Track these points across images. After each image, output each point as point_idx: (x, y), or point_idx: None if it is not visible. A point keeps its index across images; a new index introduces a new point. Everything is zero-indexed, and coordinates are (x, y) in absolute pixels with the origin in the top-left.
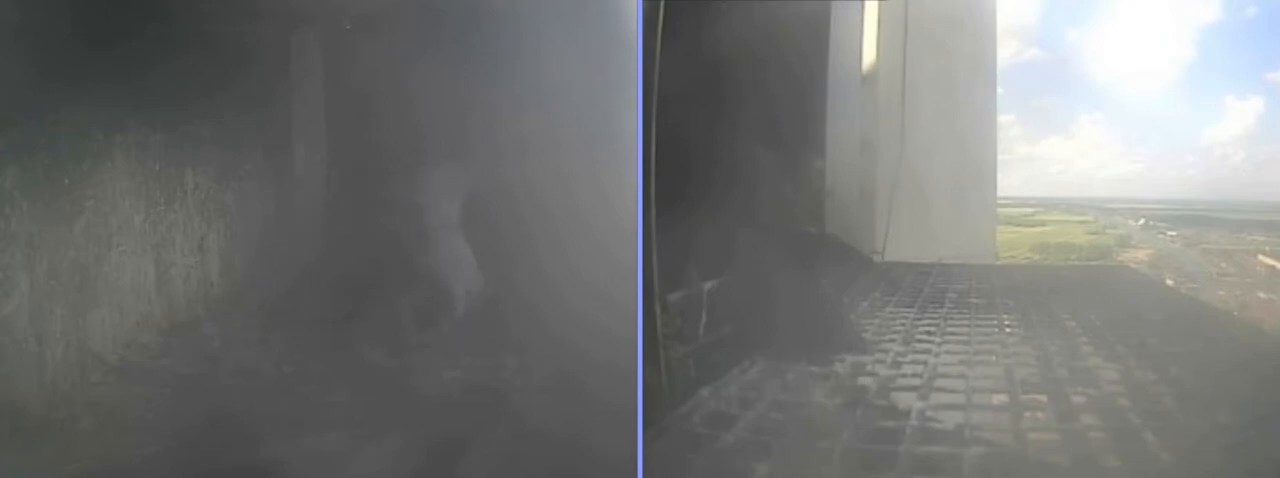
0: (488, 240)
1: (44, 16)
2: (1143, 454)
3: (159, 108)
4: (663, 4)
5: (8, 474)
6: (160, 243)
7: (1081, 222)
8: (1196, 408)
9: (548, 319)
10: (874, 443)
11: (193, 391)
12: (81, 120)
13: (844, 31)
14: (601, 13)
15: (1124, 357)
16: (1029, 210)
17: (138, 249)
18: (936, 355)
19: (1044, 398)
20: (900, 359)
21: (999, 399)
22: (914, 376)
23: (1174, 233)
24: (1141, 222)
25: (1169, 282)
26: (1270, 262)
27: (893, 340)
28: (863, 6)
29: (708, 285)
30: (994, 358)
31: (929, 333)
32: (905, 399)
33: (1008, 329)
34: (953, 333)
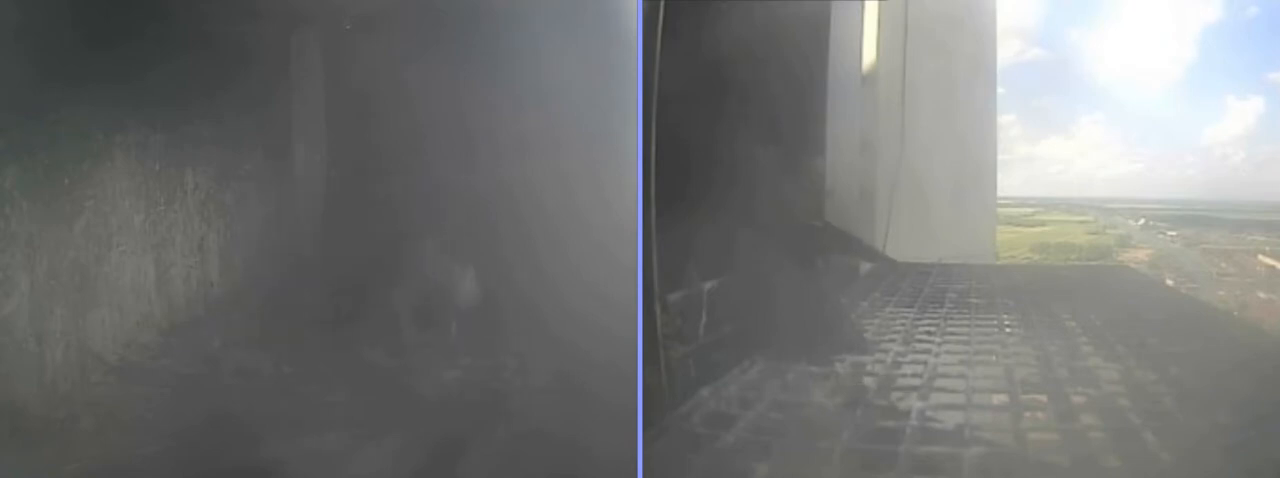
0: (488, 240)
1: (44, 16)
2: (1143, 454)
3: (159, 108)
4: (663, 4)
5: (8, 474)
6: (160, 243)
7: (1081, 222)
8: (1196, 408)
9: (548, 319)
10: (874, 443)
11: (193, 391)
12: (81, 120)
13: (844, 31)
14: (601, 13)
15: (1124, 357)
16: (1029, 210)
17: (138, 249)
18: (936, 355)
19: (1044, 398)
20: (900, 359)
21: (999, 399)
22: (914, 376)
23: (1174, 233)
24: (1141, 222)
25: (1169, 282)
26: (1270, 262)
27: (893, 340)
28: (863, 6)
29: (708, 285)
30: (994, 358)
31: (929, 333)
32: (905, 399)
33: (1008, 329)
34: (953, 333)
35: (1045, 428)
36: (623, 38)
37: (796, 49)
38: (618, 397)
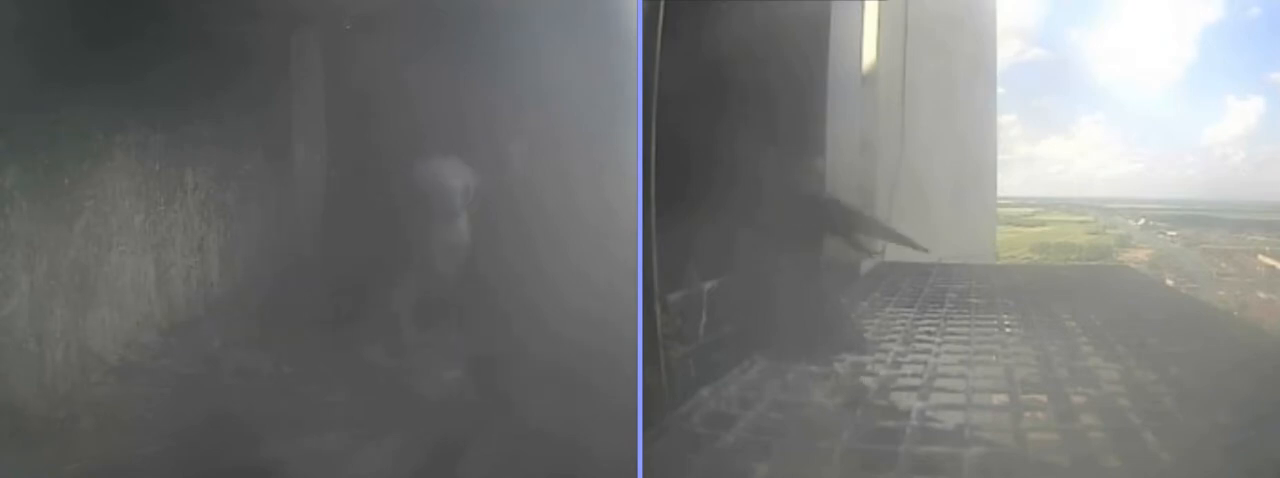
0: (488, 240)
1: (44, 16)
2: (1143, 454)
3: (159, 108)
4: (663, 4)
5: (8, 474)
6: (160, 243)
7: (1081, 222)
8: (1196, 408)
9: (548, 319)
10: (874, 443)
11: (193, 391)
12: (81, 120)
13: (844, 31)
14: (601, 13)
15: (1124, 357)
16: (1029, 210)
17: (138, 249)
18: (936, 355)
19: (1044, 398)
20: (900, 359)
21: (999, 399)
22: (914, 376)
23: (1174, 233)
24: (1141, 222)
25: (1169, 282)
26: (1270, 262)
27: (893, 340)
28: (863, 6)
29: (708, 285)
30: (994, 358)
31: (929, 333)
32: (905, 399)
33: (1008, 329)
34: (953, 333)
35: (1045, 428)
36: (623, 38)
37: (796, 49)
38: (618, 397)
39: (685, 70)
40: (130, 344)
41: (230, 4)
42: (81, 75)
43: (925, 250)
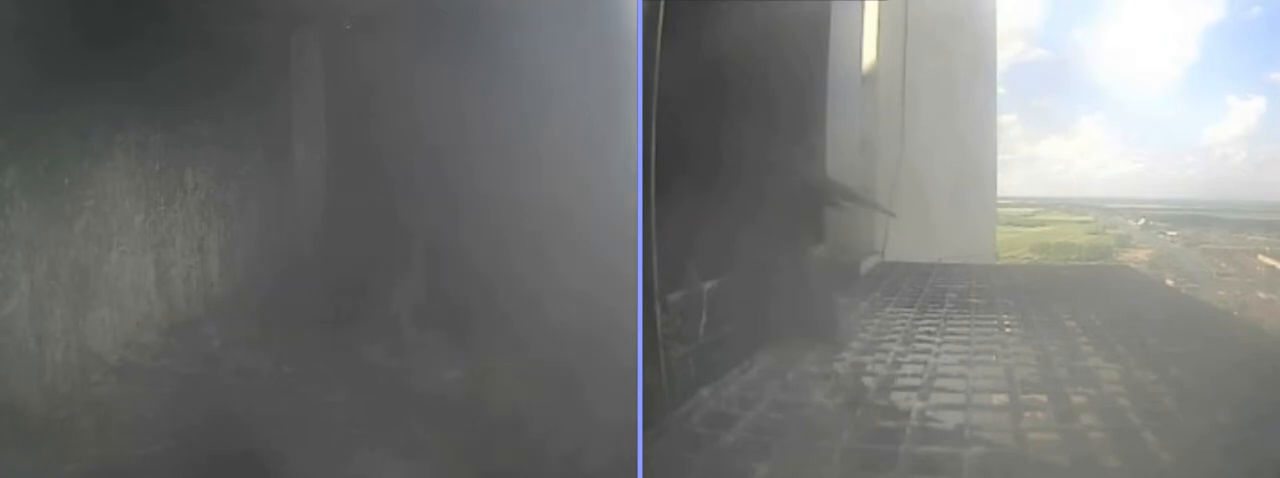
0: (488, 240)
1: (44, 16)
2: (1143, 454)
3: (159, 108)
4: (663, 4)
5: (8, 474)
6: (160, 243)
7: (1081, 222)
8: (1196, 408)
9: (548, 319)
10: (874, 443)
11: (193, 391)
12: (81, 120)
13: (844, 31)
14: (601, 13)
15: (1124, 357)
16: (1029, 210)
17: (138, 249)
18: (936, 356)
19: (1044, 398)
20: (900, 359)
21: (999, 399)
22: (914, 376)
23: (1174, 233)
24: (1141, 222)
25: (1169, 282)
26: (1270, 262)
27: (893, 340)
28: (863, 6)
29: (708, 285)
30: (994, 358)
31: (929, 333)
32: (905, 399)
33: (1008, 329)
34: (953, 333)
35: (1045, 428)
36: (623, 38)
37: (796, 49)
38: (618, 397)
39: (685, 70)
40: (130, 344)
41: (231, 4)
42: (81, 75)
43: (891, 214)
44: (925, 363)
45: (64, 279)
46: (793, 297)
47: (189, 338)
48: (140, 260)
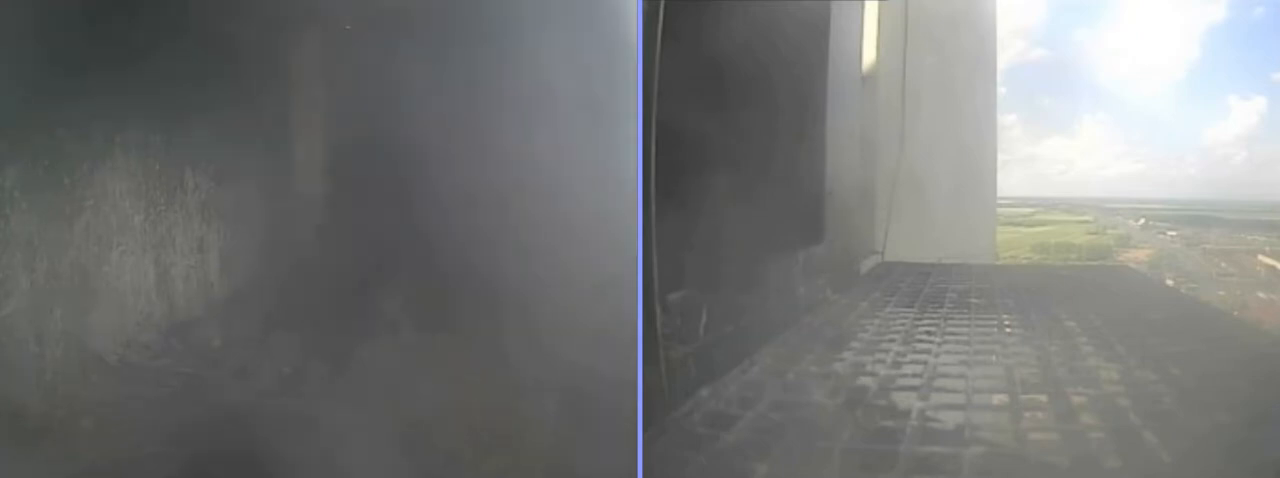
0: (487, 240)
1: (44, 16)
2: (1143, 454)
3: (159, 108)
4: (663, 4)
5: (8, 474)
6: (160, 243)
7: (1081, 222)
8: (1196, 408)
9: (548, 319)
10: (874, 443)
11: (193, 391)
12: (81, 120)
13: (844, 31)
14: (601, 13)
15: (1124, 357)
16: (1029, 210)
17: (138, 249)
18: (936, 356)
19: (1044, 398)
20: (900, 359)
21: (999, 399)
22: (914, 376)
23: (1174, 233)
24: (1141, 222)
25: (1169, 282)
26: (1270, 262)
27: (893, 340)
28: (863, 6)
29: (707, 285)
30: (994, 358)
31: (929, 333)
32: (905, 399)
33: (1008, 329)
34: (953, 333)
35: (1045, 428)
36: (623, 38)
37: (796, 49)
38: (618, 397)
39: (685, 70)
40: (130, 344)
41: (231, 4)
42: (82, 75)
43: None
44: (925, 363)
45: (64, 279)
46: (795, 298)
47: (189, 338)
48: (140, 260)
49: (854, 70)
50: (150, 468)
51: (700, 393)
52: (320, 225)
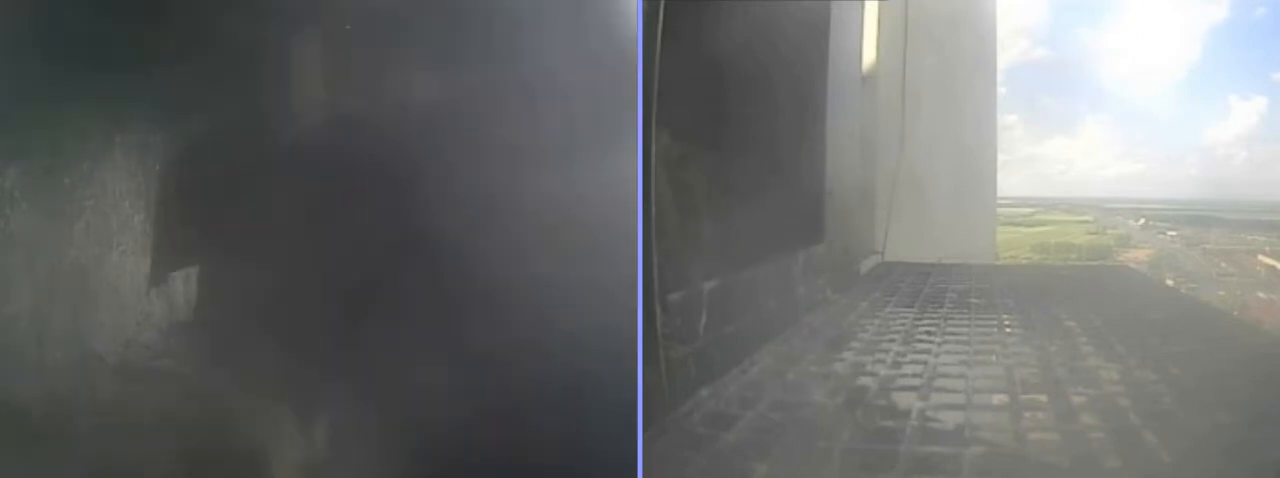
0: (486, 241)
1: (44, 16)
2: (1143, 454)
3: (159, 108)
4: (663, 4)
5: (8, 474)
6: (160, 243)
7: (1081, 222)
8: (1196, 408)
9: (547, 319)
10: (874, 443)
11: (193, 391)
12: (81, 120)
13: (844, 31)
14: (601, 13)
15: (1124, 357)
16: (1029, 210)
17: (138, 249)
18: (936, 356)
19: (1044, 398)
20: (900, 359)
21: (999, 399)
22: (914, 376)
23: (1174, 233)
24: (1141, 222)
25: (1169, 282)
26: (1270, 262)
27: (893, 340)
28: (863, 6)
29: (708, 285)
30: (994, 358)
31: (929, 333)
32: (905, 399)
33: (1008, 329)
34: (953, 333)
35: (1045, 428)
36: (623, 38)
37: (796, 49)
38: (618, 397)
39: (685, 70)
40: (130, 344)
41: (232, 3)
42: (82, 75)
43: None
44: (925, 363)
45: (64, 279)
46: (794, 298)
47: (189, 338)
48: (140, 260)
49: (854, 70)
50: (150, 468)
51: (700, 393)
52: (320, 225)
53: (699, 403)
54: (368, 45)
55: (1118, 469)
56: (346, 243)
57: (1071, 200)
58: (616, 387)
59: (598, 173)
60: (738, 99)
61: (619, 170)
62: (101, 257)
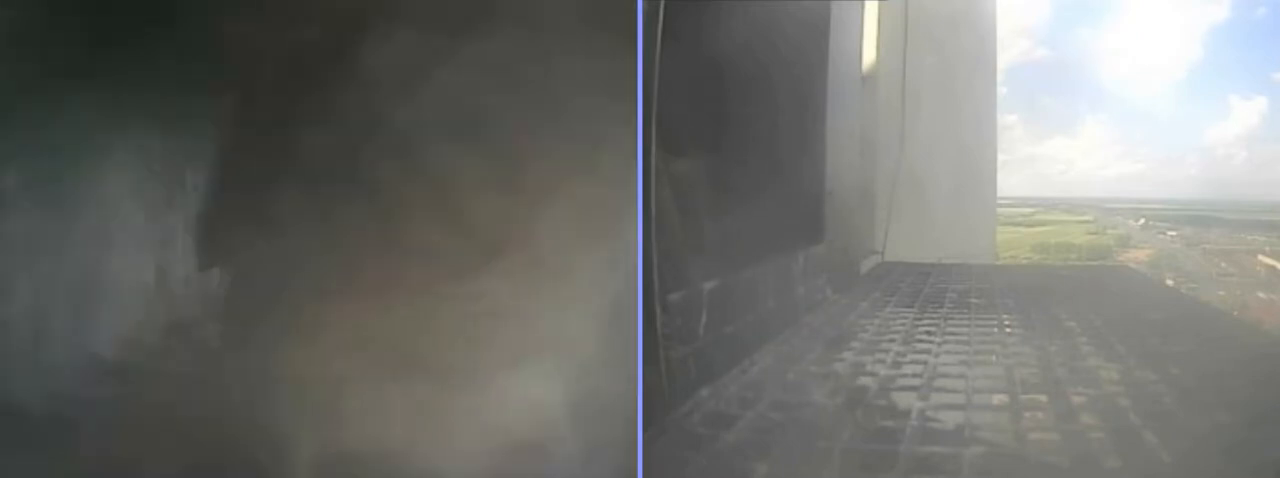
0: (486, 241)
1: (44, 16)
2: (1143, 454)
3: (159, 108)
4: (663, 4)
5: (8, 474)
6: (160, 243)
7: (1081, 222)
8: (1196, 408)
9: (547, 319)
10: (874, 443)
11: (193, 390)
12: (81, 120)
13: (844, 31)
14: (601, 13)
15: (1124, 357)
16: (1029, 210)
17: (138, 249)
18: (936, 356)
19: (1044, 398)
20: (900, 359)
21: (999, 399)
22: (914, 376)
23: (1174, 233)
24: (1141, 222)
25: (1169, 282)
26: (1270, 262)
27: (893, 340)
28: (863, 6)
29: (708, 285)
30: (994, 358)
31: (929, 333)
32: (905, 399)
33: (1008, 329)
34: (953, 333)
35: (1045, 428)
36: (623, 38)
37: (796, 49)
38: (618, 397)
39: (685, 70)
40: (130, 344)
41: (232, 3)
42: (82, 75)
43: None
44: (925, 363)
45: (64, 279)
46: (794, 298)
47: (189, 338)
48: (140, 260)
49: (854, 70)
50: (150, 468)
51: (700, 393)
52: (320, 225)
53: (699, 403)
54: (368, 45)
55: (1118, 469)
56: (346, 242)
57: (1071, 200)
58: (617, 387)
59: (598, 173)
60: (738, 99)
61: (618, 170)
62: (101, 257)
